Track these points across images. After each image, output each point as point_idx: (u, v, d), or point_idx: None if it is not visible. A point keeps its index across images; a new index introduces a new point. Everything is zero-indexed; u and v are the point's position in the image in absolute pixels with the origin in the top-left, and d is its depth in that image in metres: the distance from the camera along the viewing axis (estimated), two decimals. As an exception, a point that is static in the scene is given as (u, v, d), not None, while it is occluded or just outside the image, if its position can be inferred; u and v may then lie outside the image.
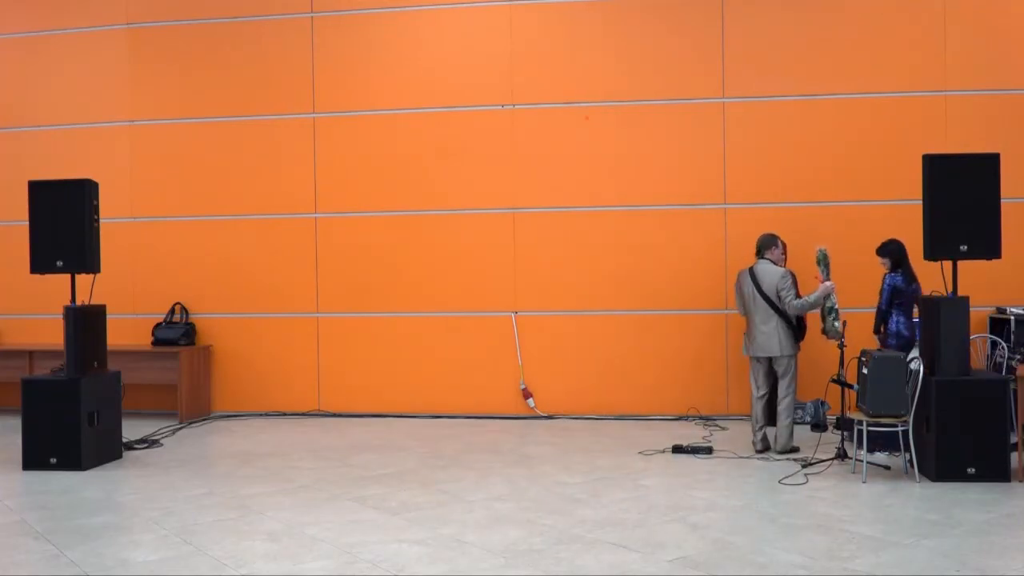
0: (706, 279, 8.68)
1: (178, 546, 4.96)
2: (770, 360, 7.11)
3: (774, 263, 7.15)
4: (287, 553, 4.82)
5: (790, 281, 6.99)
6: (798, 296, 6.96)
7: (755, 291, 7.08)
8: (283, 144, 9.33)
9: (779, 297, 6.96)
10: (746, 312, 7.20)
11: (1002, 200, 6.32)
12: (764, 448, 7.13)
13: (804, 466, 6.56)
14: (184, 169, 9.49)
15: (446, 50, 9.14)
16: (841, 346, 7.00)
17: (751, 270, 7.17)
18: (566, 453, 7.29)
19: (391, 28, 9.21)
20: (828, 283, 6.86)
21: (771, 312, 7.00)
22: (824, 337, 7.16)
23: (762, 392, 7.17)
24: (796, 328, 7.10)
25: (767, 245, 7.19)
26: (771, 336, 7.01)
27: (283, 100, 9.33)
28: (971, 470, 6.08)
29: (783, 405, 7.05)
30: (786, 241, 7.77)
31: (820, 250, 6.94)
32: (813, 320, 7.38)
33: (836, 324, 6.86)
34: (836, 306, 6.92)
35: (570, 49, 8.96)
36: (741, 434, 7.83)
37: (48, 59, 9.76)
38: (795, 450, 7.07)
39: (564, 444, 7.66)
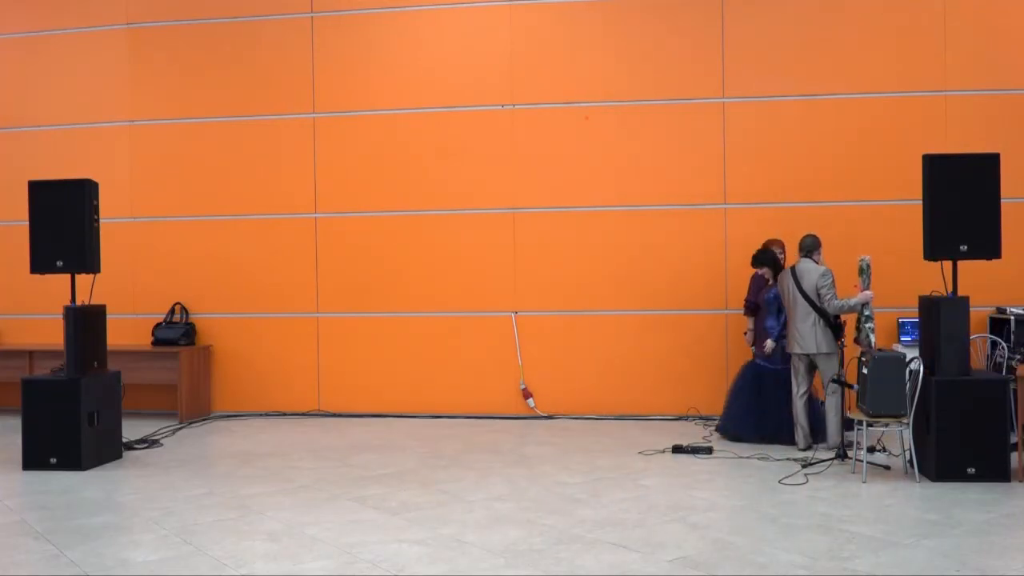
0: (706, 279, 8.68)
1: (178, 546, 4.96)
2: (810, 358, 7.12)
3: (817, 263, 7.17)
4: (287, 553, 4.82)
5: (831, 280, 7.01)
6: (837, 297, 6.99)
7: (795, 289, 7.10)
8: (283, 144, 9.33)
9: (819, 296, 6.98)
10: (787, 309, 7.27)
11: (1002, 200, 6.32)
12: (807, 447, 7.10)
13: (804, 466, 6.56)
14: (184, 169, 9.49)
15: (446, 50, 9.13)
16: (840, 346, 7.01)
17: (792, 268, 7.21)
18: (566, 453, 7.29)
19: (391, 28, 9.20)
20: (868, 292, 6.86)
21: (809, 310, 7.02)
22: (856, 344, 7.12)
23: (803, 390, 7.16)
24: (834, 326, 7.09)
25: (816, 246, 7.23)
26: (808, 334, 7.03)
27: (283, 100, 9.33)
28: (971, 470, 6.08)
29: (829, 403, 7.01)
30: (785, 242, 7.80)
31: (863, 259, 6.91)
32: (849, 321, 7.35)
33: (871, 335, 6.83)
34: (872, 315, 6.90)
35: (570, 49, 8.96)
36: (741, 434, 7.83)
37: (48, 59, 9.75)
38: (847, 445, 6.95)
39: (564, 444, 7.66)
